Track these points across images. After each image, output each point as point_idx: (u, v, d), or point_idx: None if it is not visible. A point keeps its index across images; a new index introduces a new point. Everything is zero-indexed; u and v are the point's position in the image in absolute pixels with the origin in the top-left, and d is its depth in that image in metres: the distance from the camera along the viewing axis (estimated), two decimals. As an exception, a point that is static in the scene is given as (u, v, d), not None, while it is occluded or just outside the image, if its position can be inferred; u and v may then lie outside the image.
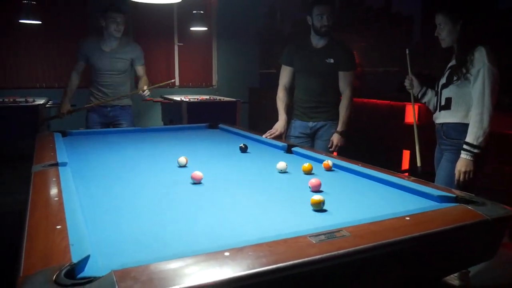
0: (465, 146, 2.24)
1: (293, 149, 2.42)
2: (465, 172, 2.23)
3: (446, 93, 2.40)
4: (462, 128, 2.30)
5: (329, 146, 3.00)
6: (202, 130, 3.33)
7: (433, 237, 1.18)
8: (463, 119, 2.33)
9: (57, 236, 1.06)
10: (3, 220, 3.17)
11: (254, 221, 1.32)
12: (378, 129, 4.47)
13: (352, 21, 5.43)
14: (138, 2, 2.58)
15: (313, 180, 1.64)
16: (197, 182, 1.74)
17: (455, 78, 2.33)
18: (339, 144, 2.98)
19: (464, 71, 2.29)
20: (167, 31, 6.74)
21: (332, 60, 2.98)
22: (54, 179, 1.62)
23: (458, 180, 2.25)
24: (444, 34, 2.37)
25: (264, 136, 2.81)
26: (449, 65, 2.44)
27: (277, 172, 1.96)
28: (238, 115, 4.90)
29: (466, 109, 2.32)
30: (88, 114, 3.88)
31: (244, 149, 2.41)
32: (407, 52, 2.72)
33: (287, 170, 1.97)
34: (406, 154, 4.29)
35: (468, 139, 2.23)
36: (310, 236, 1.08)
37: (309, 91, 3.09)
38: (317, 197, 1.40)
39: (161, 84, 4.22)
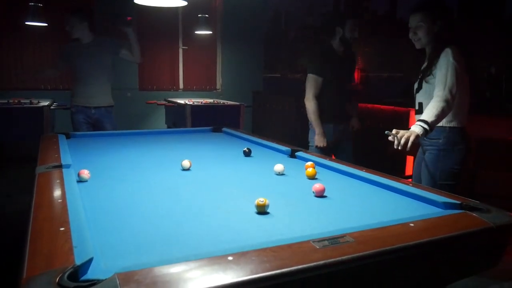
0: (418, 122, 2.16)
1: (296, 153, 2.42)
2: (407, 138, 2.08)
3: (418, 97, 2.45)
4: (438, 128, 2.29)
5: (351, 128, 3.39)
6: (205, 134, 3.33)
7: (438, 244, 1.17)
8: None
9: (61, 238, 1.06)
10: (7, 221, 3.18)
11: (258, 225, 1.31)
12: (382, 134, 4.45)
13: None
14: (143, 5, 2.59)
15: (317, 185, 1.64)
16: (83, 180, 1.76)
17: (424, 81, 2.38)
18: (358, 127, 3.41)
19: (430, 72, 2.34)
20: (172, 35, 6.77)
21: (355, 63, 3.42)
22: (58, 181, 1.63)
23: (398, 144, 2.13)
24: (421, 33, 2.38)
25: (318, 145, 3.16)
26: (421, 68, 2.46)
27: (275, 175, 1.97)
28: (242, 118, 4.91)
29: None
30: (72, 116, 3.92)
31: (247, 153, 2.41)
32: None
33: (284, 173, 1.98)
34: (410, 159, 4.27)
35: (423, 117, 2.18)
36: (313, 242, 1.07)
37: (342, 97, 3.29)
38: (261, 200, 1.40)
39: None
